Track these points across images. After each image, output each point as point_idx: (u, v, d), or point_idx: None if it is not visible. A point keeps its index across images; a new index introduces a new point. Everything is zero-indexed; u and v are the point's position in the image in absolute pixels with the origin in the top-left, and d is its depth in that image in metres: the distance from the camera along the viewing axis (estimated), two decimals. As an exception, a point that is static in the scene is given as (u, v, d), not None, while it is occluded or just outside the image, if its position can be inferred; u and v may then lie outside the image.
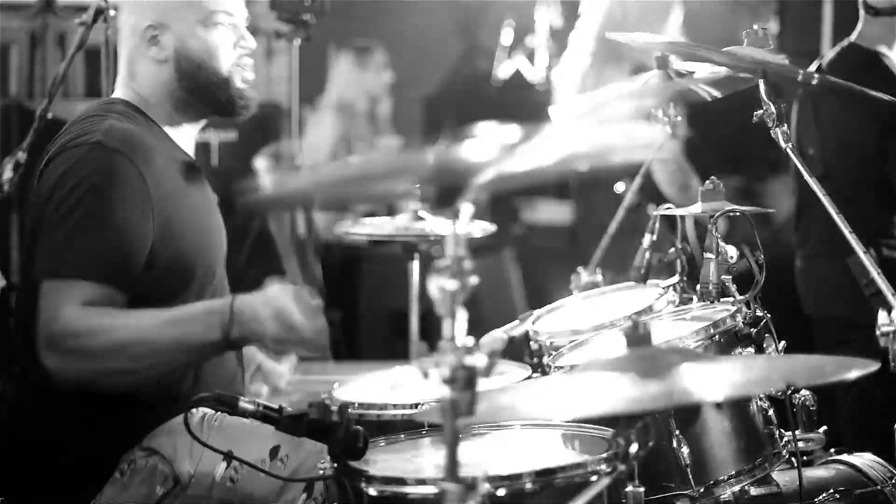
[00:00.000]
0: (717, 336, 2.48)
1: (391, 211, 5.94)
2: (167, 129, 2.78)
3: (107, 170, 2.55)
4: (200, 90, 2.77)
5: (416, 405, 2.55)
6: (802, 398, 2.55)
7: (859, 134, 3.70)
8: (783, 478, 2.56)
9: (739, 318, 2.52)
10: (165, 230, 2.59)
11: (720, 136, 5.51)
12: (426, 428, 2.38)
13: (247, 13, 2.86)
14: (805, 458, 2.61)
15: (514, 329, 2.89)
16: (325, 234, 5.65)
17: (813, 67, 3.77)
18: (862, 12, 3.74)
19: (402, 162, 1.86)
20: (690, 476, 2.41)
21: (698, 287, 2.70)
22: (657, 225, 3.09)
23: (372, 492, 2.05)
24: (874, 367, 1.87)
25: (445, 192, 1.74)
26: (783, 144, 2.66)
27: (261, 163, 5.05)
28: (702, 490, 2.41)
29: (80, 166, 2.55)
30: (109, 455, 2.58)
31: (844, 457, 2.73)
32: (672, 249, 2.93)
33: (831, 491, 2.59)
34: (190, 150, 2.85)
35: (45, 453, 2.58)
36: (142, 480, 2.55)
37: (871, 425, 3.84)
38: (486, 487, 1.91)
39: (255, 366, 3.05)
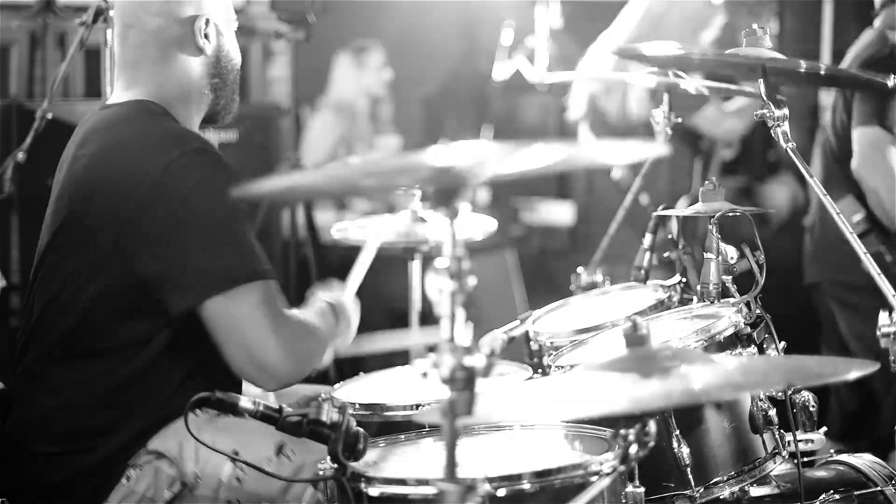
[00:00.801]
0: (717, 336, 2.48)
1: (391, 212, 5.95)
2: None
3: (222, 170, 2.55)
4: (225, 89, 2.75)
5: (417, 406, 2.56)
6: (803, 399, 2.54)
7: None
8: (783, 478, 2.56)
9: (740, 319, 2.52)
10: None
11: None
12: (426, 428, 2.39)
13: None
14: (805, 458, 2.61)
15: (514, 329, 2.89)
16: (325, 234, 5.64)
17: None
18: None
19: (403, 162, 1.85)
20: (690, 476, 2.41)
21: (698, 287, 2.70)
22: (657, 225, 3.09)
23: (372, 492, 2.05)
24: (874, 367, 1.87)
25: (445, 192, 1.74)
26: (783, 144, 2.66)
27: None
28: (702, 490, 2.41)
29: (202, 174, 2.51)
30: (116, 462, 2.56)
31: (844, 457, 2.73)
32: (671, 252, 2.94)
33: (831, 492, 2.59)
34: None
35: (52, 462, 2.57)
36: (148, 485, 2.53)
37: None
38: (485, 488, 1.91)
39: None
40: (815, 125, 5.73)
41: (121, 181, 2.52)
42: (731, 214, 2.67)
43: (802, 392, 2.54)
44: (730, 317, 2.52)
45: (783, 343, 2.56)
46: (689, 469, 2.40)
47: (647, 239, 3.12)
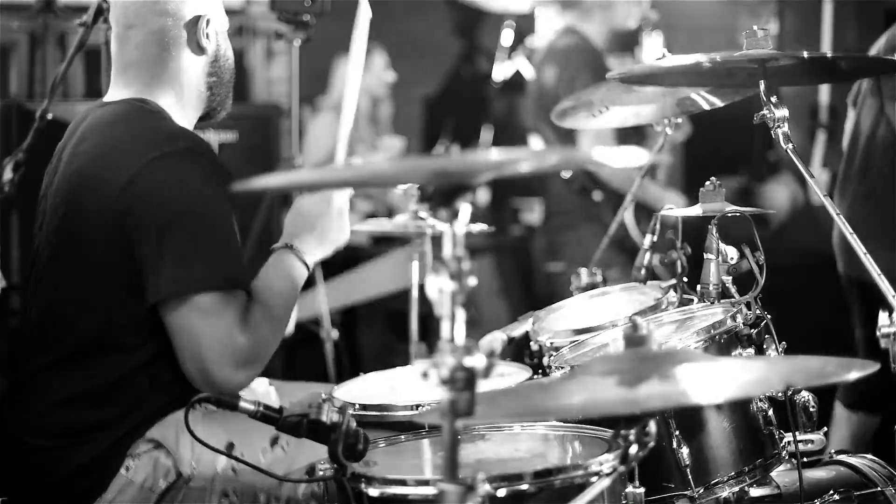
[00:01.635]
0: (717, 337, 2.48)
1: (391, 212, 5.95)
2: None
3: (206, 171, 2.55)
4: (221, 88, 2.77)
5: (417, 406, 2.55)
6: (803, 399, 2.54)
7: None
8: (783, 479, 2.56)
9: (740, 319, 2.52)
10: None
11: (720, 137, 5.52)
12: (426, 429, 2.39)
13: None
14: (805, 459, 2.61)
15: (514, 329, 2.89)
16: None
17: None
18: None
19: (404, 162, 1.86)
20: (690, 476, 2.41)
21: (698, 288, 2.71)
22: (657, 225, 3.09)
23: (372, 492, 2.05)
24: (874, 367, 1.87)
25: (445, 192, 1.74)
26: (783, 145, 2.65)
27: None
28: (701, 490, 2.41)
29: (187, 174, 2.53)
30: (115, 453, 2.58)
31: (844, 458, 2.73)
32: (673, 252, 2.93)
33: (831, 492, 2.58)
34: None
35: (51, 457, 2.58)
36: (146, 475, 2.56)
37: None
38: (485, 488, 1.91)
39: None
40: (815, 125, 5.73)
41: (111, 179, 2.53)
42: (731, 215, 2.67)
43: (802, 392, 2.54)
44: (730, 317, 2.51)
45: (783, 343, 2.56)
46: (689, 469, 2.40)
47: (647, 239, 3.12)
